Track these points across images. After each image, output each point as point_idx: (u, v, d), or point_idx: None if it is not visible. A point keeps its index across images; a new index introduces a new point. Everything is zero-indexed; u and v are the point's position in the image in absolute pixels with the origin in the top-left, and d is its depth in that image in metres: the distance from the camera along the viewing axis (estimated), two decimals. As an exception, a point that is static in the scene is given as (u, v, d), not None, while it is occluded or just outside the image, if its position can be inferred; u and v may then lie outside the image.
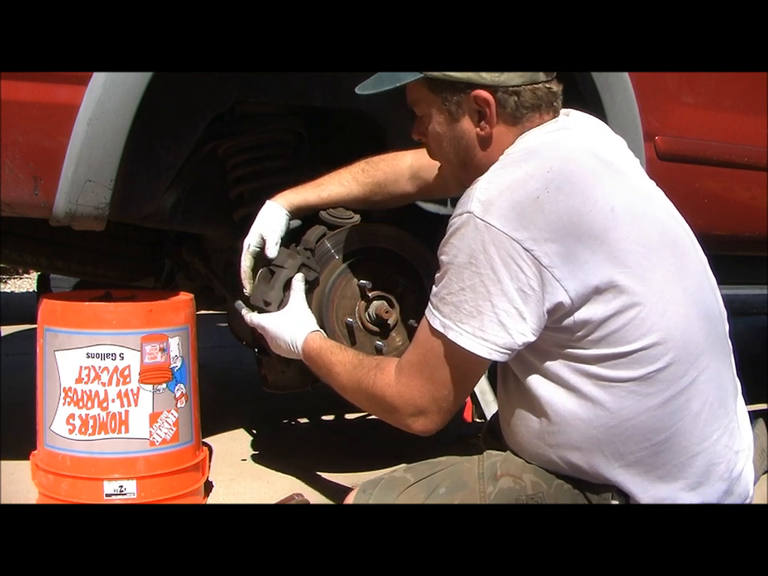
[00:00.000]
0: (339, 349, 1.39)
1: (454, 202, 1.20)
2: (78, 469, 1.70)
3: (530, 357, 1.20)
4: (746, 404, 1.30)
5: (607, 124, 1.39)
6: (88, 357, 1.68)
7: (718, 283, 1.29)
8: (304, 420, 2.72)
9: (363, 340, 1.72)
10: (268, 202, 1.65)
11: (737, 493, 1.23)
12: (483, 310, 1.12)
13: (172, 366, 1.75)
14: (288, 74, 1.89)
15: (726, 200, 2.34)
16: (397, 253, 1.78)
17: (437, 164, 1.44)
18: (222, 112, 1.90)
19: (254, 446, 2.40)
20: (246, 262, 1.63)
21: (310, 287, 1.65)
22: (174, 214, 1.97)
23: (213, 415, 2.21)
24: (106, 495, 1.69)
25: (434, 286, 1.19)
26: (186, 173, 1.92)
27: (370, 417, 2.62)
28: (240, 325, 1.96)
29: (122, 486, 1.69)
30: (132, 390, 1.70)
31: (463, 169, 1.30)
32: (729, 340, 1.28)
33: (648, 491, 1.18)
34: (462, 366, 1.18)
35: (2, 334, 3.98)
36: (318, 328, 1.49)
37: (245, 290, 1.62)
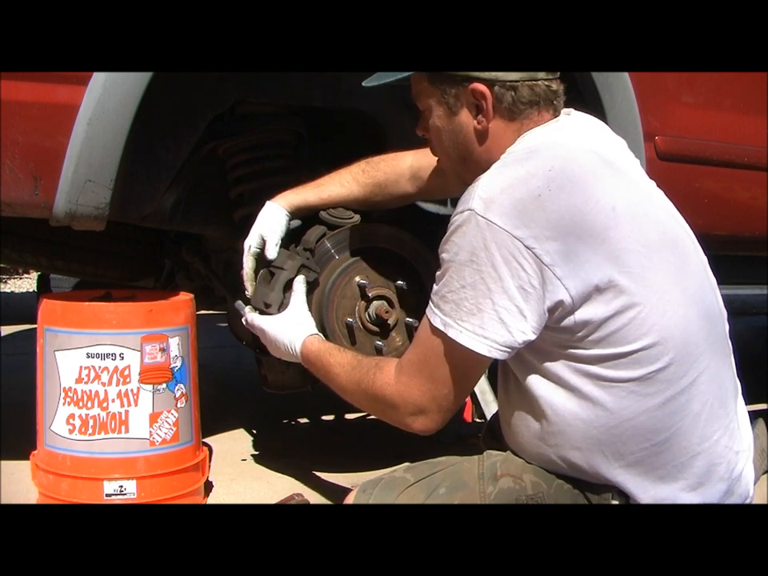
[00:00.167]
0: (337, 350, 1.39)
1: (454, 202, 1.20)
2: (78, 469, 1.70)
3: (530, 357, 1.20)
4: (746, 404, 1.30)
5: (607, 124, 1.39)
6: (88, 357, 1.68)
7: (718, 283, 1.29)
8: (304, 420, 2.72)
9: (363, 340, 1.72)
10: (268, 203, 1.65)
11: (737, 493, 1.23)
12: (484, 307, 1.12)
13: (172, 366, 1.75)
14: (288, 74, 1.89)
15: (726, 200, 2.34)
16: (397, 253, 1.78)
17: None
18: (222, 112, 1.90)
19: (254, 446, 2.40)
20: (247, 263, 1.63)
21: (310, 287, 1.65)
22: (174, 214, 1.97)
23: (213, 415, 2.21)
24: (106, 495, 1.69)
25: (434, 285, 1.19)
26: (186, 173, 1.92)
27: (370, 417, 2.62)
28: (240, 325, 1.97)
29: (121, 486, 1.69)
30: (132, 390, 1.70)
31: (462, 164, 1.30)
32: (729, 340, 1.28)
33: (648, 491, 1.18)
34: (463, 364, 1.18)
35: (2, 334, 3.98)
36: (317, 331, 1.50)
37: (247, 292, 1.62)
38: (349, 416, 2.69)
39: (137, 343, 1.70)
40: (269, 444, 2.43)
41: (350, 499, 1.26)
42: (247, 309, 1.62)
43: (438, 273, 1.19)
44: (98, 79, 1.58)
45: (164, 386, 1.73)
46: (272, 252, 1.61)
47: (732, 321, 1.31)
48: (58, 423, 1.71)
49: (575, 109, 1.34)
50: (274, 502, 1.85)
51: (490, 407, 2.26)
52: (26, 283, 7.32)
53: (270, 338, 1.52)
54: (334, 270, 1.72)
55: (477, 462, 1.27)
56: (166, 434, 1.73)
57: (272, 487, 2.02)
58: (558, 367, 1.17)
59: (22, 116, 1.57)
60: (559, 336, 1.16)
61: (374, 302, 1.72)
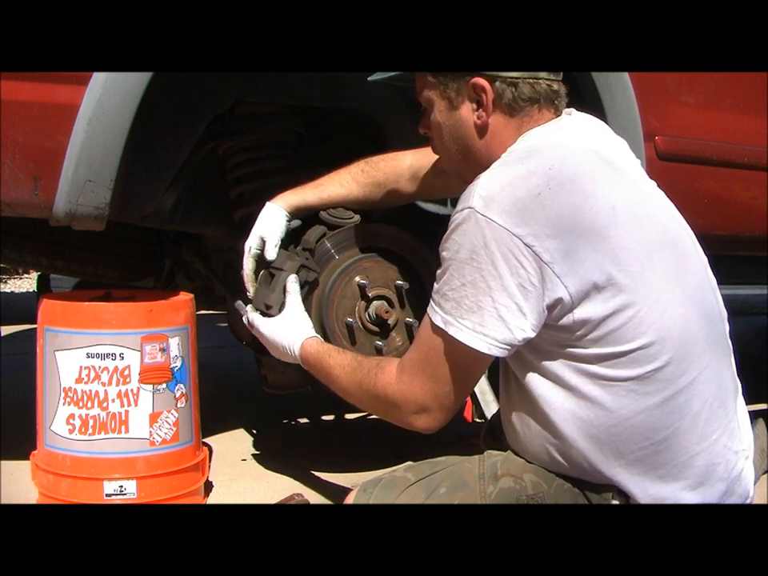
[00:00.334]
0: (337, 352, 1.39)
1: (454, 202, 1.20)
2: (78, 469, 1.70)
3: (529, 356, 1.20)
4: (746, 404, 1.30)
5: (607, 124, 1.39)
6: (88, 357, 1.68)
7: (718, 283, 1.29)
8: (304, 420, 2.72)
9: (363, 340, 1.72)
10: (268, 204, 1.65)
11: (737, 493, 1.23)
12: (483, 305, 1.13)
13: (172, 366, 1.75)
14: (288, 74, 1.89)
15: (726, 200, 2.34)
16: (397, 253, 1.78)
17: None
18: (222, 112, 1.90)
19: (254, 445, 2.40)
20: (247, 265, 1.63)
21: (310, 288, 1.65)
22: (174, 214, 1.97)
23: (213, 415, 2.21)
24: (106, 495, 1.69)
25: (435, 283, 1.19)
26: (186, 173, 1.92)
27: (370, 417, 2.62)
28: (240, 325, 1.97)
29: (121, 486, 1.69)
30: (132, 390, 1.70)
31: (463, 161, 1.30)
32: (729, 340, 1.28)
33: (648, 491, 1.18)
34: (463, 361, 1.18)
35: (2, 334, 3.98)
36: (314, 333, 1.50)
37: (248, 294, 1.62)
38: (349, 416, 2.69)
39: (137, 343, 1.70)
40: (269, 444, 2.43)
41: (350, 499, 1.26)
42: (248, 308, 1.62)
43: (438, 271, 1.19)
44: (98, 79, 1.58)
45: (164, 386, 1.73)
46: (271, 253, 1.61)
47: (732, 321, 1.31)
48: (58, 423, 1.71)
49: (576, 109, 1.34)
50: (274, 501, 1.85)
51: (490, 407, 2.26)
52: (26, 283, 7.32)
53: (268, 341, 1.52)
54: (334, 270, 1.72)
55: (477, 461, 1.28)
56: (165, 434, 1.73)
57: (272, 487, 2.02)
58: (558, 366, 1.18)
59: (22, 116, 1.57)
60: (558, 335, 1.16)
61: (374, 302, 1.72)
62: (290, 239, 1.68)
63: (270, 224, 1.63)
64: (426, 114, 1.33)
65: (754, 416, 1.38)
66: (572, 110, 1.32)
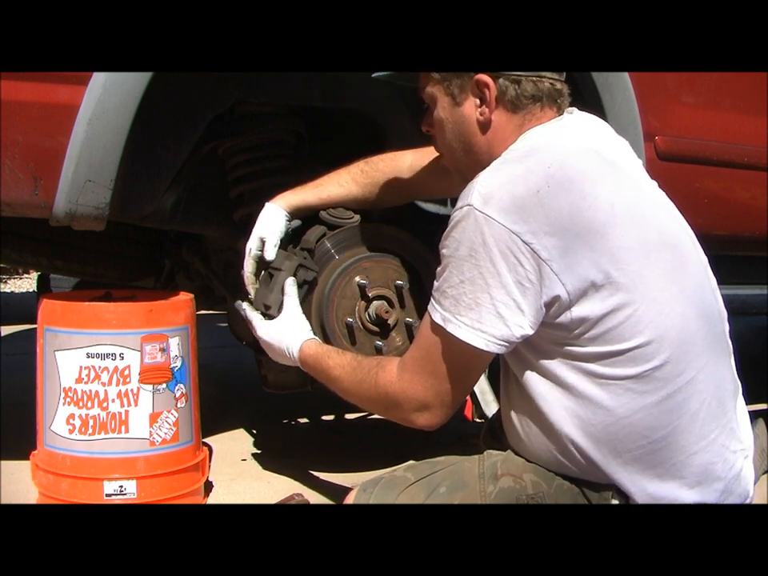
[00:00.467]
0: (336, 353, 1.40)
1: (454, 202, 1.20)
2: (78, 469, 1.70)
3: (528, 355, 1.20)
4: (746, 404, 1.30)
5: (607, 124, 1.39)
6: (88, 357, 1.68)
7: (718, 283, 1.29)
8: (304, 420, 2.72)
9: (363, 340, 1.72)
10: (267, 204, 1.65)
11: (736, 493, 1.23)
12: (482, 302, 1.13)
13: (172, 366, 1.75)
14: (288, 74, 1.89)
15: (726, 200, 2.34)
16: (397, 253, 1.78)
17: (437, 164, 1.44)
18: (222, 112, 1.89)
19: (254, 445, 2.40)
20: (248, 267, 1.63)
21: (309, 287, 1.65)
22: (174, 214, 1.97)
23: (213, 415, 2.21)
24: (106, 495, 1.69)
25: (435, 281, 1.20)
26: (186, 173, 1.92)
27: (370, 417, 2.62)
28: (240, 325, 1.96)
29: (121, 486, 1.69)
30: (132, 390, 1.70)
31: (464, 158, 1.30)
32: (729, 340, 1.28)
33: (646, 489, 1.18)
34: (463, 359, 1.18)
35: (2, 334, 3.98)
36: (312, 335, 1.50)
37: (249, 295, 1.63)
38: (349, 416, 2.69)
39: (137, 343, 1.70)
40: (269, 444, 2.43)
41: (350, 499, 1.26)
42: (247, 307, 1.62)
43: (438, 269, 1.19)
44: (98, 79, 1.58)
45: (164, 386, 1.73)
46: (270, 253, 1.61)
47: (732, 321, 1.31)
48: (58, 423, 1.71)
49: (577, 108, 1.34)
50: (273, 501, 1.85)
51: (490, 407, 2.26)
52: (26, 283, 7.32)
53: (267, 344, 1.53)
54: (334, 270, 1.72)
55: (477, 461, 1.28)
56: (166, 434, 1.73)
57: (272, 487, 2.02)
58: (556, 365, 1.18)
59: (22, 116, 1.57)
60: (556, 333, 1.16)
61: (374, 301, 1.72)
62: (291, 239, 1.68)
63: (270, 224, 1.63)
64: (428, 111, 1.33)
65: (753, 416, 1.38)
66: (574, 108, 1.32)
